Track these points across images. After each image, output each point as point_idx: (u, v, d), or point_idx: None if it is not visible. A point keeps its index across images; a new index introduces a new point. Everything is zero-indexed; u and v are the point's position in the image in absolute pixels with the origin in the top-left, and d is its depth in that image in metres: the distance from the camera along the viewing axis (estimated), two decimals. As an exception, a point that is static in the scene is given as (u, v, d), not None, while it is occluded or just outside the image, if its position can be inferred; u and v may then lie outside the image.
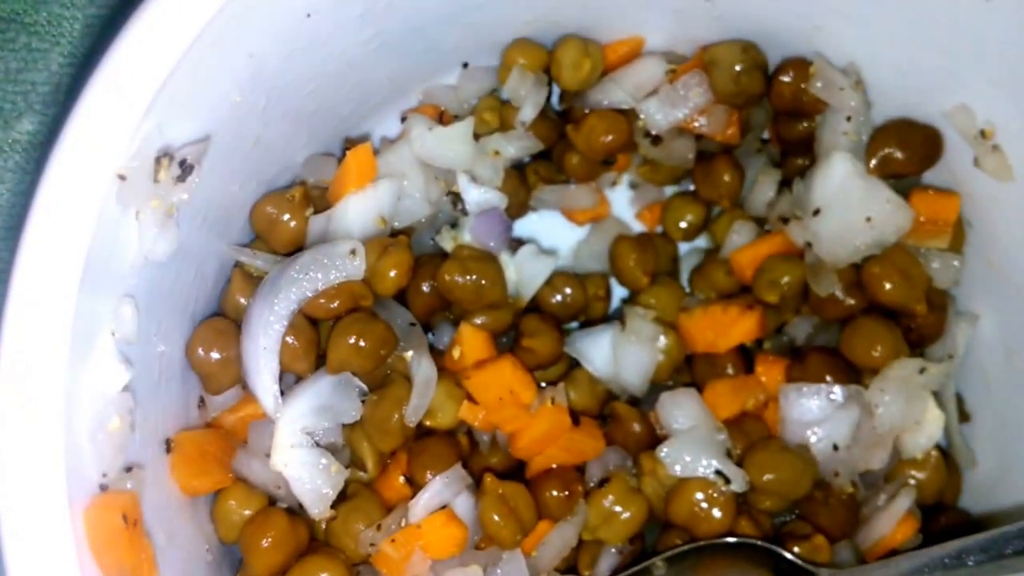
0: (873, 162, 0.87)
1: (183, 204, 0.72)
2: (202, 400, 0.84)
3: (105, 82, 0.64)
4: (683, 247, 1.00)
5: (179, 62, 0.65)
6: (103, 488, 0.66)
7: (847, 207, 0.85)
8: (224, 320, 0.83)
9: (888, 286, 0.85)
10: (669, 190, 1.01)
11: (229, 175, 0.80)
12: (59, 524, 0.61)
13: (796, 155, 0.95)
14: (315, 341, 0.83)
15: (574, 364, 0.93)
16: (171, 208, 0.71)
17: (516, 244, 0.93)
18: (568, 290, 0.92)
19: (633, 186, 1.01)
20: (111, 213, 0.65)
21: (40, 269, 0.62)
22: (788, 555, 0.83)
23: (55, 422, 0.61)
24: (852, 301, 0.87)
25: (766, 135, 0.98)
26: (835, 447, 0.85)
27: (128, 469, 0.69)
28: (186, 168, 0.71)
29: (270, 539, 0.79)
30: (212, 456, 0.80)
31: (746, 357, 0.93)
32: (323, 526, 0.82)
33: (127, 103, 0.64)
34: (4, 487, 0.61)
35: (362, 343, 0.80)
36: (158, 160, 0.68)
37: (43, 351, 0.62)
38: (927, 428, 0.86)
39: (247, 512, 0.81)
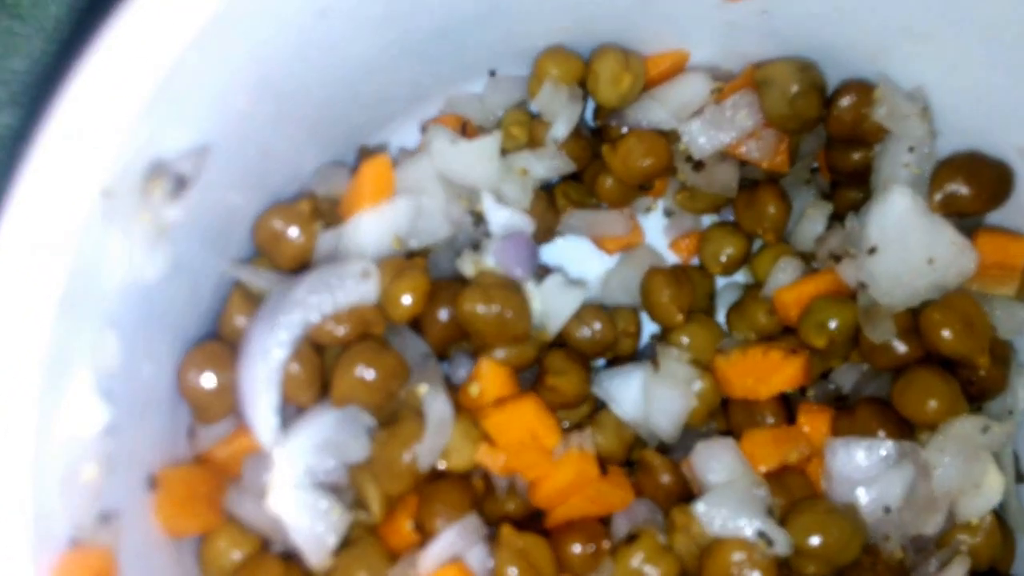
0: (936, 198, 0.80)
1: (177, 221, 0.64)
2: (192, 431, 0.76)
3: (91, 82, 0.56)
4: (720, 281, 0.93)
5: (177, 61, 0.57)
6: (74, 543, 0.58)
7: (907, 246, 0.78)
8: (220, 344, 0.75)
9: (949, 335, 0.77)
10: (707, 219, 0.93)
11: (230, 186, 0.72)
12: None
13: (848, 188, 0.87)
14: (320, 370, 0.75)
15: (600, 405, 0.85)
16: (163, 226, 0.63)
17: (542, 271, 0.85)
18: (597, 325, 0.85)
19: (668, 213, 0.94)
20: (94, 233, 0.57)
21: (10, 295, 0.54)
22: (836, 629, 0.75)
23: (23, 470, 0.53)
24: (907, 349, 0.80)
25: (815, 165, 0.90)
26: (887, 509, 0.77)
27: (104, 518, 0.61)
28: (181, 182, 0.63)
29: (262, 589, 0.71)
30: (201, 495, 0.72)
31: (787, 405, 0.85)
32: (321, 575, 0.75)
33: (115, 106, 0.56)
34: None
35: (371, 374, 0.73)
36: (149, 175, 0.60)
37: (11, 389, 0.53)
38: (986, 492, 0.79)
39: (238, 555, 0.73)
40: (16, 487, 0.53)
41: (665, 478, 0.81)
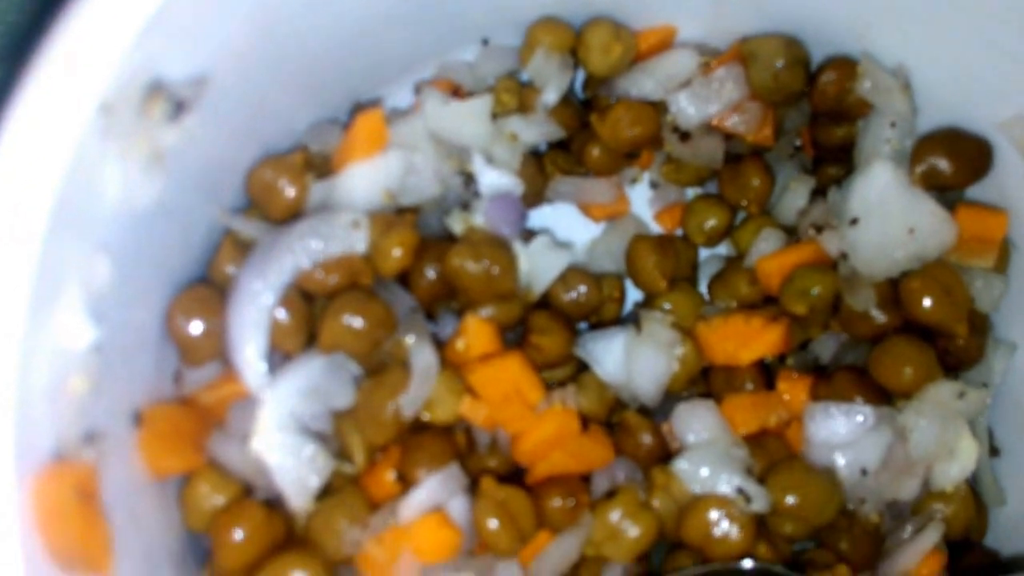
0: (916, 172, 0.81)
1: (172, 150, 0.65)
2: (178, 374, 0.76)
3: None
4: (702, 255, 0.94)
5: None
6: (57, 457, 0.58)
7: (888, 217, 0.79)
8: (209, 287, 0.75)
9: (928, 303, 0.79)
10: (691, 193, 0.94)
11: (226, 129, 0.72)
12: (3, 493, 0.53)
13: (831, 163, 0.89)
14: (307, 318, 0.75)
15: (582, 368, 0.86)
16: (159, 152, 0.64)
17: (528, 235, 0.86)
18: (582, 287, 0.86)
19: (654, 185, 0.95)
20: (91, 149, 0.57)
21: (4, 203, 0.54)
22: (810, 585, 0.76)
23: (8, 375, 0.53)
24: (886, 318, 0.81)
25: (798, 143, 0.92)
26: (863, 472, 0.78)
27: (88, 439, 0.61)
28: (180, 106, 0.63)
29: (243, 531, 0.71)
30: (185, 434, 0.72)
31: (766, 375, 0.86)
32: (302, 522, 0.75)
33: (117, 23, 0.56)
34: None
35: (358, 322, 0.74)
36: (149, 92, 0.61)
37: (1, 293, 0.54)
38: (960, 459, 0.80)
39: (219, 500, 0.73)
40: (2, 390, 0.53)
41: (646, 438, 0.82)
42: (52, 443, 0.58)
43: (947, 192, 0.82)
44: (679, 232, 0.94)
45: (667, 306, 0.86)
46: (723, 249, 0.94)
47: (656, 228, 0.95)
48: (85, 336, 0.60)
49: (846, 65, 0.83)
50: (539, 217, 0.93)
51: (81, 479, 0.59)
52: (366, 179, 0.78)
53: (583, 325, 0.91)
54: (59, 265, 0.57)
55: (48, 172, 0.54)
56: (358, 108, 0.85)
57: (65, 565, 0.56)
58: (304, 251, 0.73)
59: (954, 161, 0.81)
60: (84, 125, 0.55)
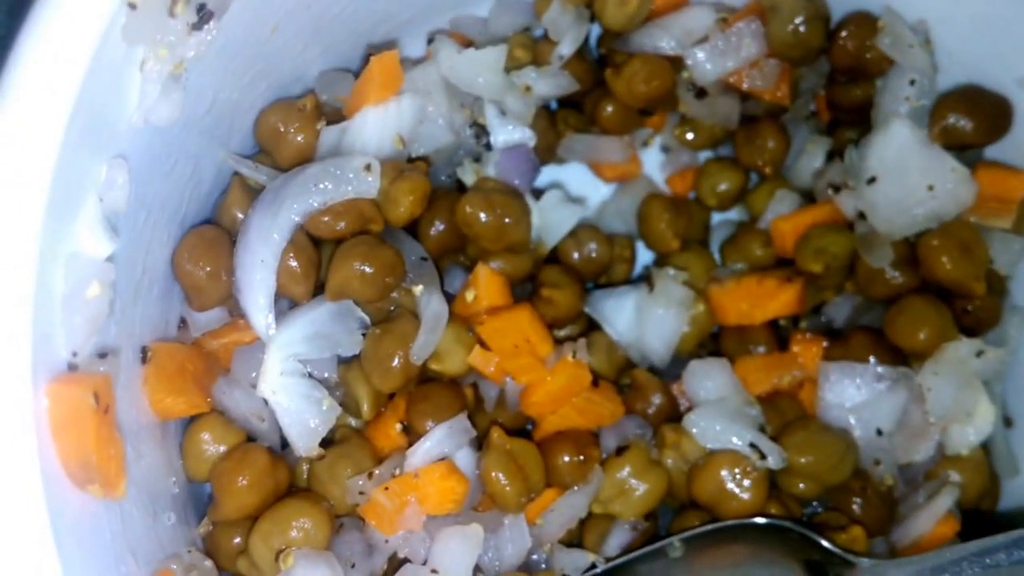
0: (936, 130, 0.80)
1: (192, 65, 0.63)
2: (183, 320, 0.75)
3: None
4: (714, 220, 0.93)
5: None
6: (72, 368, 0.57)
7: (906, 175, 0.78)
8: (217, 229, 0.74)
9: (947, 261, 0.78)
10: (703, 157, 0.93)
11: (239, 63, 0.71)
12: (19, 396, 0.52)
13: (847, 127, 0.88)
14: (316, 263, 0.74)
15: (592, 327, 0.85)
16: (180, 65, 0.62)
17: (538, 193, 0.85)
18: (593, 244, 0.85)
19: (666, 149, 0.94)
20: (113, 51, 0.56)
21: (23, 104, 0.52)
22: (825, 542, 0.74)
23: (27, 279, 0.52)
24: (904, 279, 0.80)
25: (813, 107, 0.91)
26: (878, 432, 0.77)
27: (102, 355, 0.60)
28: (204, 15, 0.62)
29: (247, 477, 0.70)
30: (191, 375, 0.71)
31: (779, 339, 0.85)
32: (306, 471, 0.74)
33: None
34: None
35: (367, 268, 0.72)
36: None
37: (18, 199, 0.52)
38: (977, 422, 0.79)
39: (222, 447, 0.72)
40: (18, 294, 0.51)
41: (656, 397, 0.81)
42: (68, 354, 0.56)
43: (967, 151, 0.81)
44: (691, 196, 0.92)
45: (680, 266, 0.85)
46: (735, 215, 0.93)
47: (668, 192, 0.93)
48: (104, 246, 0.58)
49: (867, 20, 0.82)
50: (550, 174, 0.92)
51: (99, 387, 0.57)
52: (378, 124, 0.76)
53: (591, 287, 0.89)
54: (77, 171, 0.56)
55: (70, 71, 0.54)
56: (372, 51, 0.83)
57: (81, 478, 0.55)
58: (315, 193, 0.71)
59: (975, 119, 0.80)
60: (108, 20, 0.54)
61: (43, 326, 0.53)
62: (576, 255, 0.85)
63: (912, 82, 0.81)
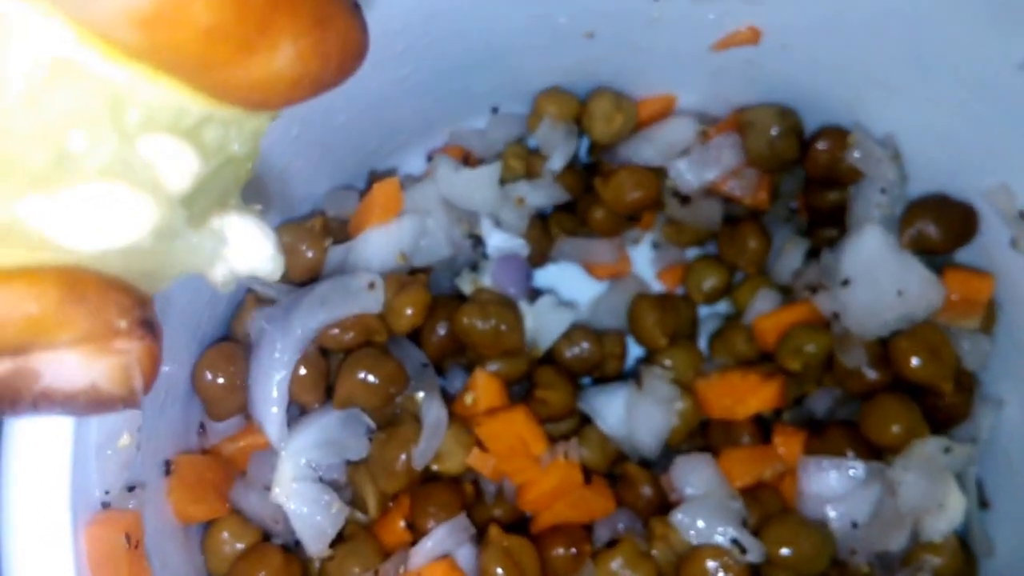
0: (906, 236, 0.85)
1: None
2: (202, 426, 0.80)
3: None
4: (703, 313, 0.98)
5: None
6: (105, 506, 0.63)
7: (878, 280, 0.83)
8: (233, 345, 0.80)
9: (916, 362, 0.83)
10: (692, 253, 0.99)
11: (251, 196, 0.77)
12: (61, 540, 0.58)
13: (825, 226, 0.93)
14: (325, 372, 0.80)
15: (585, 421, 0.90)
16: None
17: (534, 294, 0.91)
18: (585, 344, 0.90)
19: (655, 246, 0.99)
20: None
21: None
22: (803, 634, 0.79)
23: (64, 434, 0.58)
24: (877, 375, 0.85)
25: (794, 205, 0.96)
26: (854, 524, 0.82)
27: (131, 488, 0.66)
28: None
29: (263, 575, 0.75)
30: (210, 483, 0.76)
31: (763, 428, 0.90)
32: (317, 567, 0.79)
33: None
34: (10, 499, 0.57)
35: (372, 379, 0.78)
36: None
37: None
38: (948, 512, 0.83)
39: (240, 545, 0.78)
40: (58, 448, 0.57)
41: (646, 490, 0.85)
42: (100, 495, 0.62)
43: (935, 255, 0.86)
44: (680, 290, 0.98)
45: (667, 362, 0.91)
46: (723, 307, 0.98)
47: (658, 287, 0.99)
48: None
49: (838, 135, 0.87)
50: (545, 275, 0.97)
51: (129, 526, 0.63)
52: (381, 242, 0.82)
53: (586, 380, 0.95)
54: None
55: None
56: (374, 176, 0.90)
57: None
58: (324, 311, 0.77)
59: (942, 226, 0.85)
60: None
61: (80, 470, 0.59)
62: (569, 354, 0.90)
63: (883, 190, 0.86)
